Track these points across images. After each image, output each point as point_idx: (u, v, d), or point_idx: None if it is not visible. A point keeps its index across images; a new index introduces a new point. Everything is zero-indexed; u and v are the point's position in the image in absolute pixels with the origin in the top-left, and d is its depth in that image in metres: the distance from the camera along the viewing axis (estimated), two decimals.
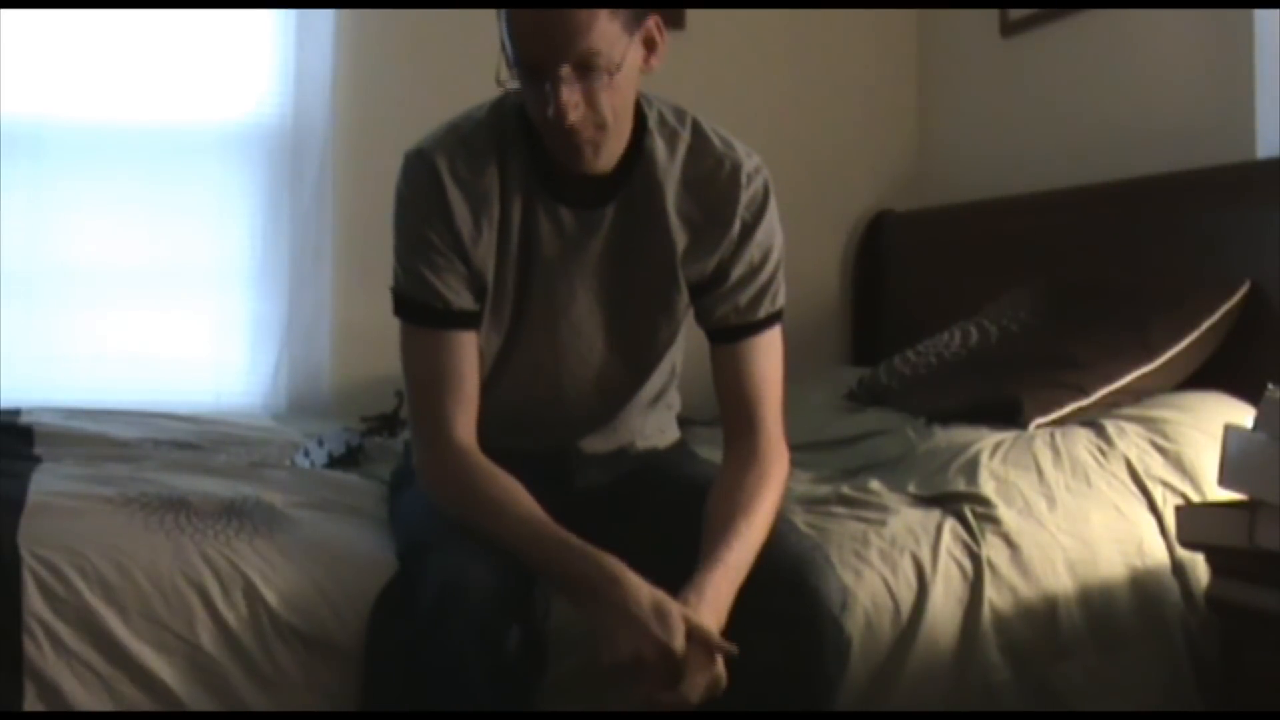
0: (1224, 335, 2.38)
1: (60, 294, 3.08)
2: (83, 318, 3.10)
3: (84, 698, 1.59)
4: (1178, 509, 1.92)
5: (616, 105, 1.63)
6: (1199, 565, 1.95)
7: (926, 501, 2.05)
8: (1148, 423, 2.21)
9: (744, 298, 1.76)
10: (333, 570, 1.69)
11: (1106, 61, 2.96)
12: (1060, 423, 2.26)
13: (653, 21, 1.66)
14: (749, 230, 1.75)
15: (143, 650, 1.61)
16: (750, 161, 1.76)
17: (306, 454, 2.42)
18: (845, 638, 1.64)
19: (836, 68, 3.63)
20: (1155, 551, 2.01)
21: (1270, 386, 1.82)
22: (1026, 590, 1.92)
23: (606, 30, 1.58)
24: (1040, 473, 2.08)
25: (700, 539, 1.63)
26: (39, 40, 3.05)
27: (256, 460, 2.38)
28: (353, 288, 3.17)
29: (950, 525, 1.96)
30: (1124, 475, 2.10)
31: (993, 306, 2.75)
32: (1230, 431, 1.82)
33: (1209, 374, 2.37)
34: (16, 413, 2.64)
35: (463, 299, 1.72)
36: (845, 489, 2.12)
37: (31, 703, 1.57)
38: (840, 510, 2.02)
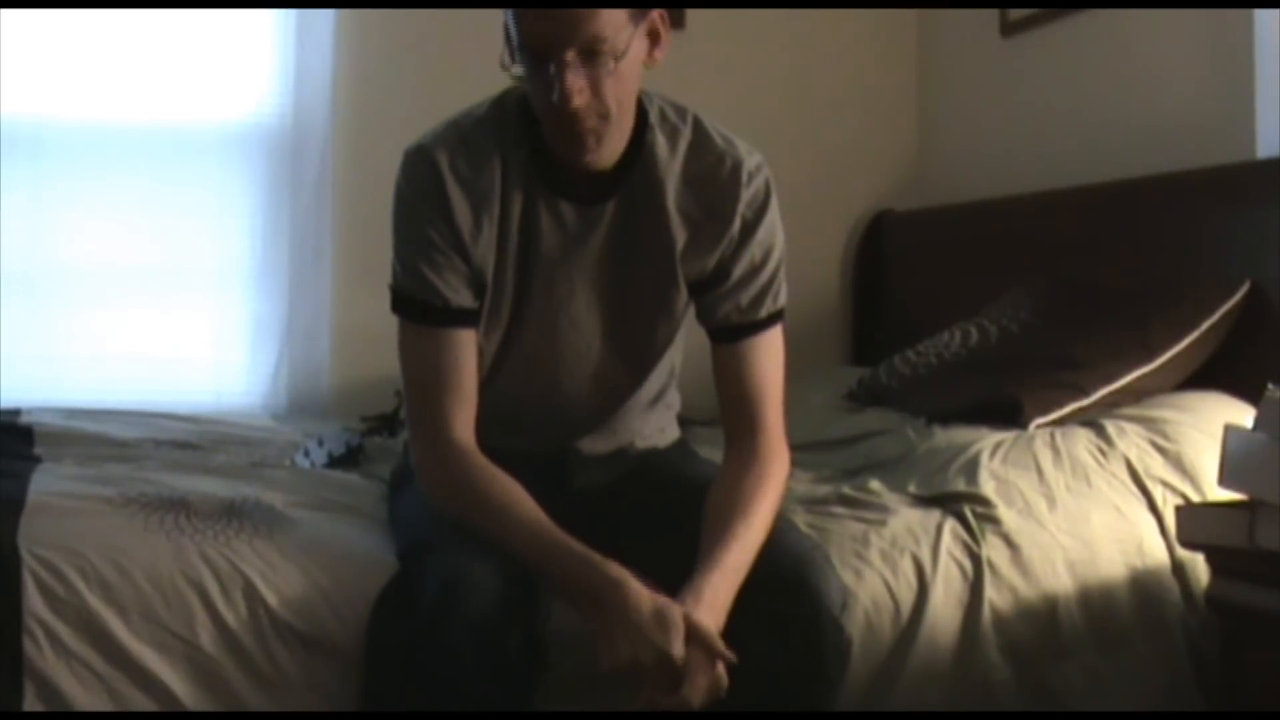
0: (1224, 335, 2.38)
1: (60, 294, 3.08)
2: (83, 318, 3.10)
3: (84, 698, 1.59)
4: (1178, 509, 1.92)
5: (620, 95, 1.63)
6: (1199, 565, 1.95)
7: (926, 501, 2.05)
8: (1148, 423, 2.21)
9: (746, 297, 1.76)
10: (332, 570, 1.69)
11: (1106, 61, 2.96)
12: (1060, 423, 2.26)
13: (657, 14, 1.66)
14: (750, 229, 1.75)
15: (142, 651, 1.61)
16: (752, 159, 1.76)
17: (306, 454, 2.42)
18: (845, 638, 1.63)
19: (836, 68, 3.63)
20: (1155, 551, 2.01)
21: (1270, 386, 1.82)
22: (1026, 590, 1.92)
23: (612, 17, 1.58)
24: (1040, 473, 2.08)
25: (700, 539, 1.63)
26: (39, 40, 3.04)
27: (256, 460, 2.38)
28: (353, 288, 3.17)
29: (950, 525, 1.96)
30: (1124, 475, 2.10)
31: (993, 306, 2.75)
32: (1230, 431, 1.82)
33: (1209, 374, 2.37)
34: (16, 413, 2.64)
35: (462, 297, 1.71)
36: (845, 489, 2.12)
37: (31, 703, 1.57)
38: (840, 510, 2.02)
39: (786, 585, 1.59)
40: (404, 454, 1.99)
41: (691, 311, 1.83)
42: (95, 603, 1.61)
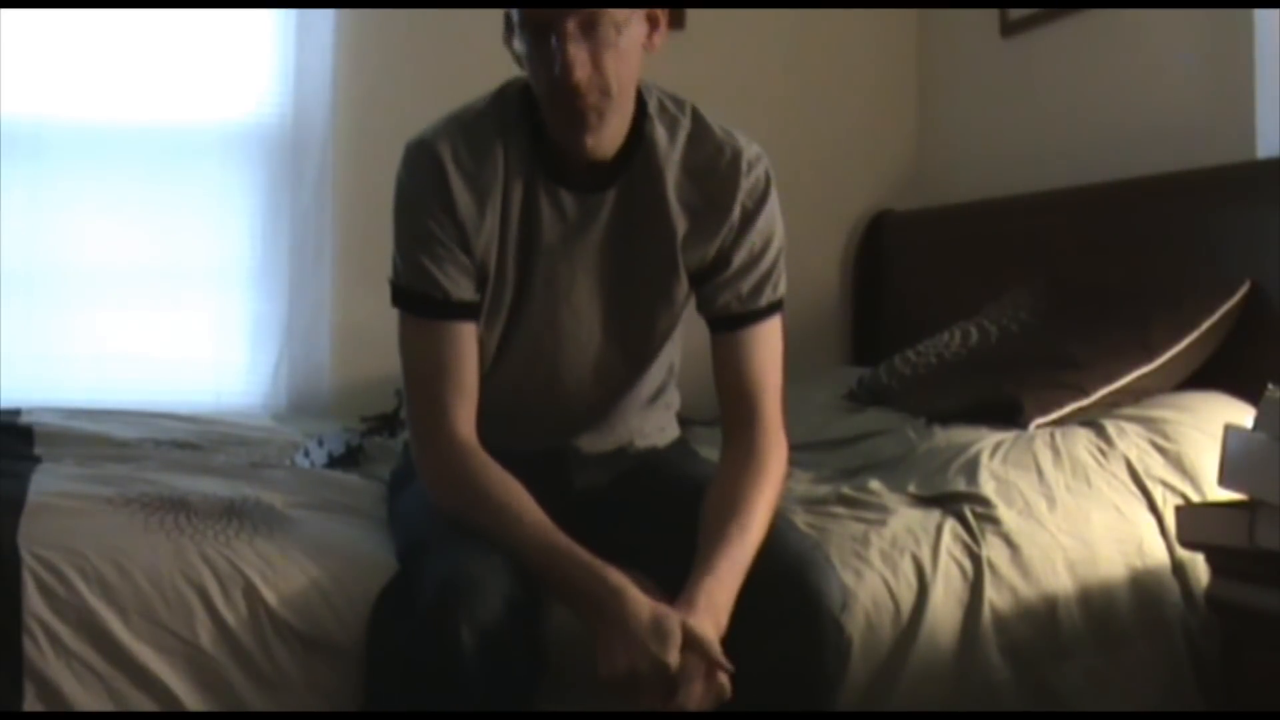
0: (1224, 335, 2.38)
1: (60, 294, 3.08)
2: (83, 318, 3.10)
3: (84, 698, 1.59)
4: (1178, 509, 1.92)
5: (620, 73, 1.64)
6: (1199, 565, 1.95)
7: (926, 502, 2.05)
8: (1148, 423, 2.21)
9: (745, 285, 1.77)
10: (332, 570, 1.69)
11: (1106, 61, 2.96)
12: (1060, 423, 2.26)
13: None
14: (750, 218, 1.75)
15: (143, 651, 1.61)
16: (751, 149, 1.77)
17: (306, 454, 2.42)
18: (845, 638, 1.64)
19: (836, 68, 3.62)
20: (1155, 551, 2.01)
21: (1270, 386, 1.82)
22: (1026, 590, 1.92)
23: None
24: (1040, 473, 2.08)
25: (698, 540, 1.63)
26: (39, 40, 3.04)
27: (256, 460, 2.38)
28: (353, 288, 3.17)
29: (950, 525, 1.96)
30: (1124, 475, 2.10)
31: (993, 306, 2.75)
32: (1230, 431, 1.82)
33: (1209, 374, 2.37)
34: (16, 413, 2.64)
35: (463, 290, 1.72)
36: (845, 489, 2.12)
37: (31, 703, 1.57)
38: (840, 510, 2.02)
39: (787, 585, 1.59)
40: (404, 454, 1.99)
41: (691, 305, 1.84)
42: (95, 603, 1.61)
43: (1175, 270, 2.53)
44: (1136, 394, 2.33)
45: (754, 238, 1.76)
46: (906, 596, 1.86)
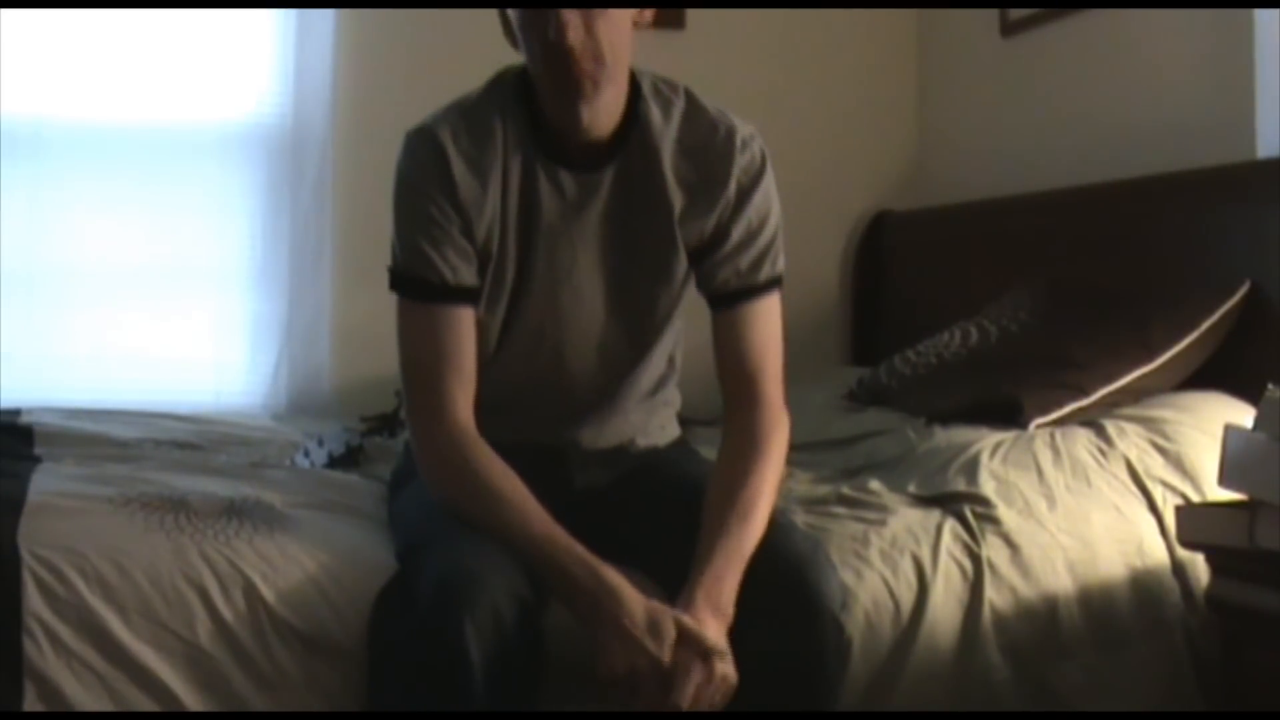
0: (1224, 335, 2.38)
1: (60, 294, 3.08)
2: (83, 318, 3.10)
3: (84, 698, 1.59)
4: (1178, 509, 1.92)
5: (613, 40, 1.67)
6: (1199, 565, 1.95)
7: (926, 501, 2.05)
8: (1148, 423, 2.21)
9: (744, 261, 1.78)
10: (333, 570, 1.69)
11: (1106, 61, 2.96)
12: (1060, 423, 2.26)
13: None
14: (747, 193, 1.77)
15: (143, 650, 1.61)
16: (745, 128, 1.80)
17: (306, 454, 2.42)
18: (846, 637, 1.64)
19: (836, 68, 3.62)
20: (1155, 551, 2.01)
21: (1270, 386, 1.82)
22: (1026, 590, 1.92)
23: None
24: (1040, 473, 2.08)
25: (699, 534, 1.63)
26: (39, 40, 3.04)
27: (256, 460, 2.38)
28: (353, 288, 3.17)
29: (950, 525, 1.96)
30: (1124, 475, 2.10)
31: (993, 306, 2.75)
32: (1230, 431, 1.82)
33: (1209, 374, 2.37)
34: (16, 413, 2.64)
35: (462, 275, 1.72)
36: (845, 489, 2.12)
37: (31, 703, 1.57)
38: (840, 510, 2.02)
39: (787, 584, 1.59)
40: (404, 454, 1.99)
41: (692, 296, 1.84)
42: (95, 602, 1.61)
43: (1175, 270, 2.53)
44: (1136, 394, 2.33)
45: (751, 214, 1.78)
46: (906, 596, 1.86)
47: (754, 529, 1.63)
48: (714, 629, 1.54)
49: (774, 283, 1.81)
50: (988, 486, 2.04)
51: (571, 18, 1.63)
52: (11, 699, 1.57)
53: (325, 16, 3.19)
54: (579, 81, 1.66)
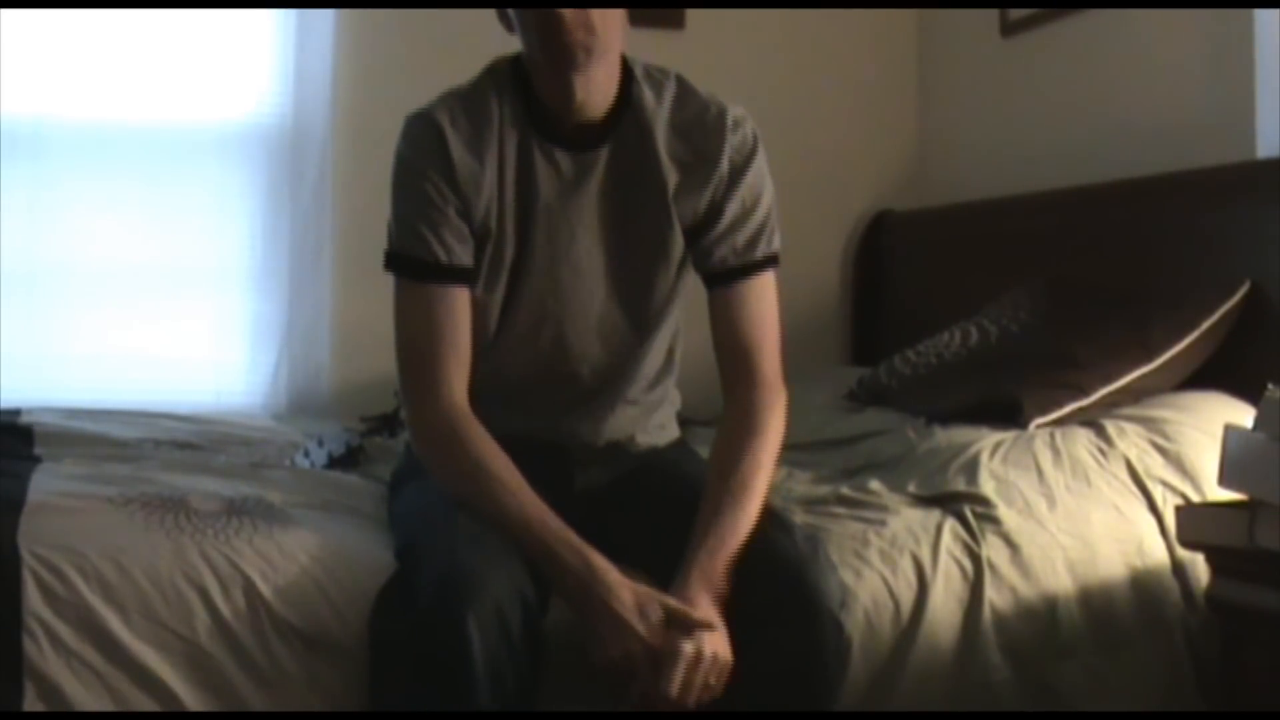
0: (1224, 335, 2.38)
1: (60, 294, 3.08)
2: (83, 318, 3.10)
3: (84, 697, 1.58)
4: (1178, 509, 1.92)
5: (605, 14, 1.70)
6: (1199, 565, 1.95)
7: (926, 501, 2.05)
8: (1148, 423, 2.21)
9: (741, 238, 1.81)
10: (333, 569, 1.69)
11: (1106, 61, 2.96)
12: (1060, 423, 2.26)
13: None
14: (740, 172, 1.81)
15: (143, 650, 1.61)
16: (736, 109, 1.83)
17: (306, 454, 2.42)
18: (845, 637, 1.64)
19: (836, 68, 3.62)
20: (1155, 551, 2.01)
21: (1270, 386, 1.82)
22: (1026, 590, 1.92)
23: None
24: (1040, 473, 2.08)
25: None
26: (39, 40, 3.04)
27: (256, 460, 2.37)
28: (353, 288, 3.17)
29: (950, 525, 1.96)
30: (1124, 475, 2.10)
31: (993, 306, 2.75)
32: (1230, 431, 1.82)
33: (1209, 374, 2.37)
34: (16, 413, 2.64)
35: (457, 255, 1.75)
36: (845, 489, 2.12)
37: (31, 703, 1.57)
38: (840, 510, 2.02)
39: (786, 586, 1.60)
40: (405, 454, 2.00)
41: (691, 298, 1.85)
42: (95, 602, 1.61)
43: (1175, 270, 2.53)
44: (1136, 394, 2.33)
45: (744, 191, 1.81)
46: (906, 596, 1.86)
47: (749, 507, 1.66)
48: (705, 603, 1.56)
49: (771, 260, 1.83)
50: (988, 486, 2.04)
51: None
52: (11, 699, 1.57)
53: (325, 16, 3.19)
54: (571, 50, 1.69)
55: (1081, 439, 2.16)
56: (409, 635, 1.54)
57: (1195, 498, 2.06)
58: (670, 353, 1.94)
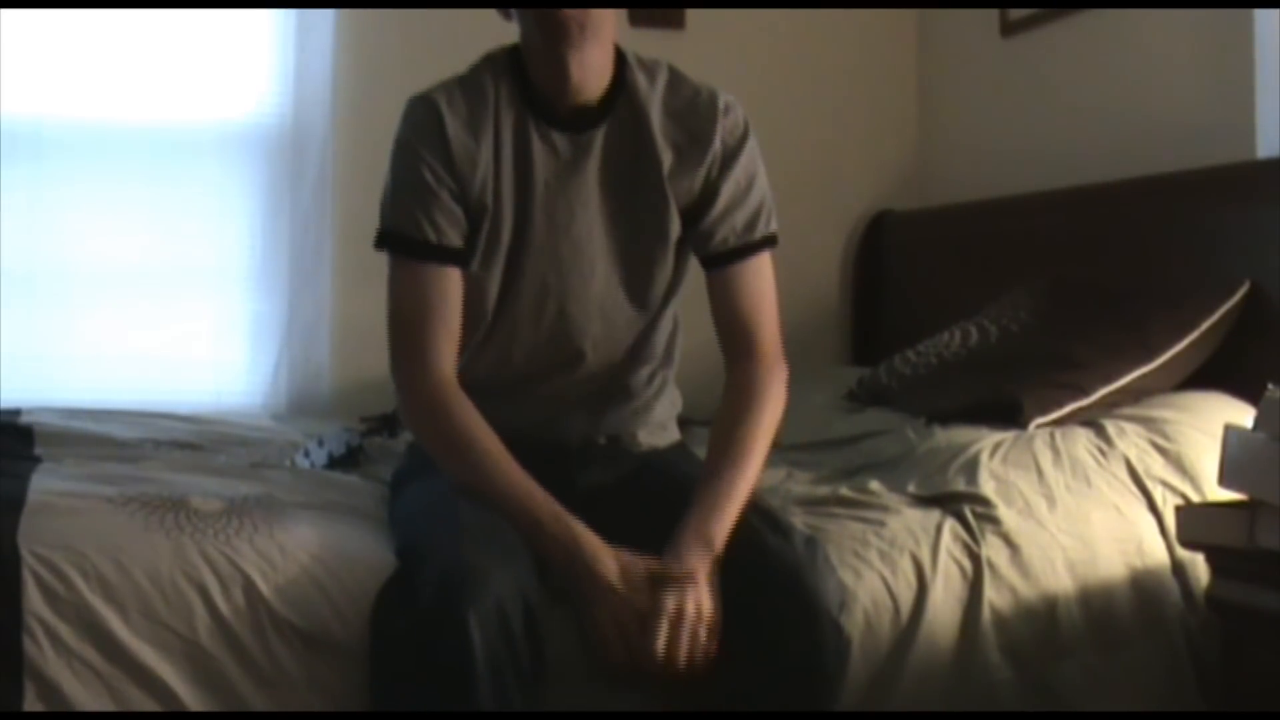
0: (1224, 335, 2.38)
1: (60, 294, 3.08)
2: (83, 318, 3.10)
3: (84, 697, 1.58)
4: (1178, 509, 1.92)
5: None
6: (1199, 565, 1.95)
7: (926, 501, 2.05)
8: (1148, 423, 2.21)
9: (740, 219, 1.86)
10: (333, 569, 1.68)
11: (1106, 61, 2.96)
12: (1060, 423, 2.26)
13: None
14: (733, 153, 1.86)
15: (143, 649, 1.61)
16: (726, 95, 1.88)
17: (306, 454, 2.42)
18: (844, 638, 1.64)
19: (836, 68, 3.62)
20: (1155, 551, 2.01)
21: (1270, 386, 1.82)
22: (1026, 590, 1.92)
23: None
24: (1040, 473, 2.08)
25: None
26: (39, 40, 3.04)
27: (257, 460, 2.37)
28: (353, 288, 3.17)
29: (950, 525, 1.96)
30: (1124, 475, 2.10)
31: (993, 306, 2.75)
32: (1230, 431, 1.82)
33: (1209, 374, 2.37)
34: (16, 413, 2.64)
35: (447, 237, 1.79)
36: (845, 489, 2.12)
37: (31, 703, 1.57)
38: (840, 510, 2.02)
39: (783, 588, 1.60)
40: (407, 455, 2.01)
41: (691, 300, 1.87)
42: (95, 601, 1.61)
43: (1175, 270, 2.54)
44: (1136, 394, 2.33)
45: (738, 173, 1.86)
46: (906, 596, 1.86)
47: (746, 470, 1.72)
48: (694, 558, 1.61)
49: (770, 240, 1.89)
50: (988, 486, 2.04)
51: None
52: (11, 698, 1.57)
53: (325, 16, 3.19)
54: (566, 25, 1.73)
55: (1081, 439, 2.16)
56: (410, 633, 1.54)
57: (1195, 498, 2.06)
58: (670, 346, 1.96)
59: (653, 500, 1.83)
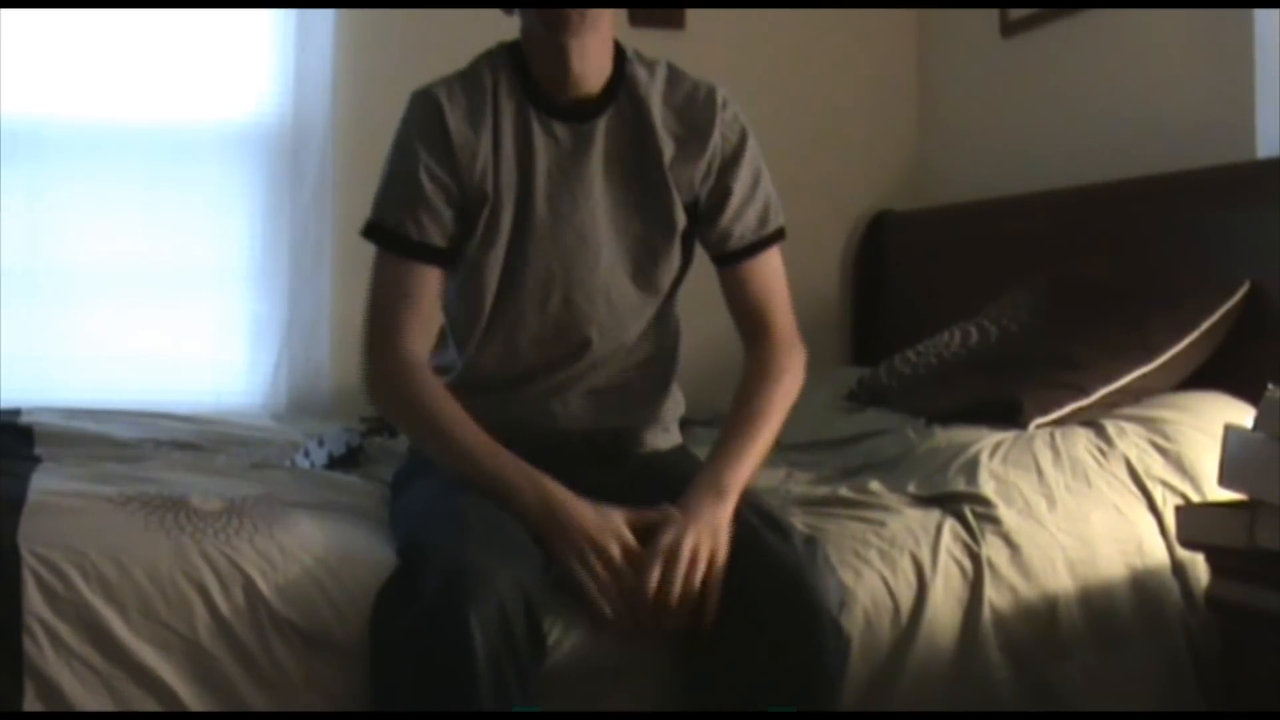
0: (1224, 335, 2.38)
1: (60, 294, 3.08)
2: (83, 318, 3.10)
3: (84, 697, 1.58)
4: (1178, 509, 1.92)
5: None
6: (1199, 565, 1.95)
7: (926, 501, 2.05)
8: (1148, 423, 2.21)
9: (752, 216, 1.92)
10: (333, 569, 1.68)
11: (1107, 61, 2.96)
12: (1060, 423, 2.26)
13: None
14: (737, 150, 1.91)
15: (143, 649, 1.61)
16: (722, 90, 1.92)
17: (306, 454, 2.42)
18: (844, 638, 1.64)
19: (836, 68, 3.63)
20: (1155, 551, 2.01)
21: (1270, 386, 1.82)
22: (1026, 590, 1.92)
23: None
24: (1040, 473, 2.08)
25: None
26: (39, 40, 3.05)
27: (257, 460, 2.37)
28: (353, 288, 3.13)
29: (950, 525, 1.96)
30: (1124, 475, 2.10)
31: (993, 306, 2.75)
32: (1230, 431, 1.82)
33: (1209, 374, 2.37)
34: (16, 413, 2.64)
35: (432, 238, 1.83)
36: (845, 489, 2.12)
37: (31, 702, 1.57)
38: (840, 510, 2.01)
39: (783, 589, 1.60)
40: (407, 455, 2.01)
41: (690, 300, 1.88)
42: (95, 601, 1.61)
43: (1175, 270, 2.53)
44: (1136, 394, 2.32)
45: (745, 172, 1.91)
46: (906, 596, 1.85)
47: (761, 431, 1.79)
48: (705, 503, 1.66)
49: (780, 233, 1.95)
50: (988, 486, 2.04)
51: None
52: (11, 698, 1.57)
53: (325, 16, 3.20)
54: (567, 13, 1.76)
55: (1081, 439, 2.16)
56: (412, 631, 1.54)
57: (1195, 498, 2.06)
58: (674, 344, 1.97)
59: (652, 502, 1.83)
